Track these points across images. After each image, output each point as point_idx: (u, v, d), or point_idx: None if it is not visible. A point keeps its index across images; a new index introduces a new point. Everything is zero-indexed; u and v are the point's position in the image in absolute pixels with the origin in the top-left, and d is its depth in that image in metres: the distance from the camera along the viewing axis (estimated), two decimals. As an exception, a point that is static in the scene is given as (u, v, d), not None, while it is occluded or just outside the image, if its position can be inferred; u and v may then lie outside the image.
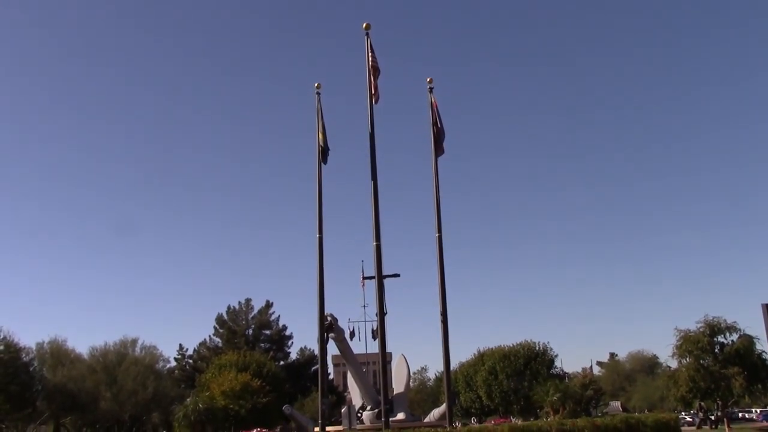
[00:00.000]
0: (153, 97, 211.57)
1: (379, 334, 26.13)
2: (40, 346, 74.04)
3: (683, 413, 78.32)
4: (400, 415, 33.13)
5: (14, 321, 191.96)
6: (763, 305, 25.00)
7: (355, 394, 36.61)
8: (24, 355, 67.22)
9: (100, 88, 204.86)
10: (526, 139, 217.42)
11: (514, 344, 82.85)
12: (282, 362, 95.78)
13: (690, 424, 71.81)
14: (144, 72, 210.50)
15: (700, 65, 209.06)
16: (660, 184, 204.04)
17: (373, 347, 32.51)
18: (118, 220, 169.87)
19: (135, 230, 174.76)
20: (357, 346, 35.19)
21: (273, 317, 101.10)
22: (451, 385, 28.83)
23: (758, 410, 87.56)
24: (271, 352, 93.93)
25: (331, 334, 31.33)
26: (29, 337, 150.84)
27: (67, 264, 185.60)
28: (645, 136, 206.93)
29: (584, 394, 76.89)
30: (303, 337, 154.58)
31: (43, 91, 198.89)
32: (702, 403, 68.14)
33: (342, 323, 33.16)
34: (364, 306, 34.66)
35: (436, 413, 35.61)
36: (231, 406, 64.59)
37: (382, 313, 26.28)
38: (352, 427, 27.41)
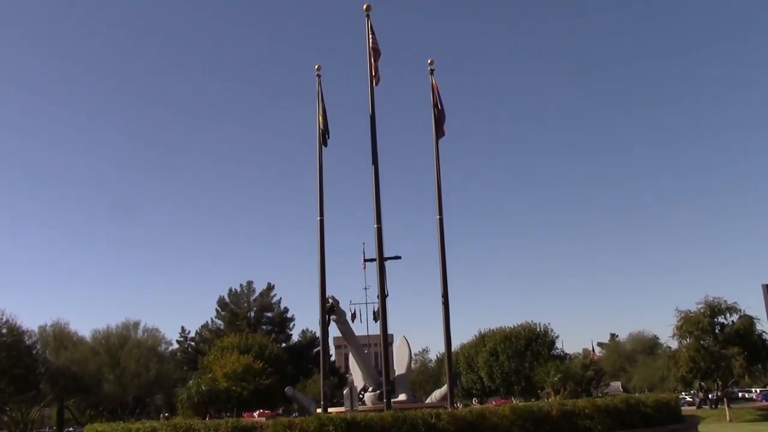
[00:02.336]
0: (154, 75, 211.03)
1: (381, 316, 26.16)
2: (42, 329, 74.45)
3: (683, 393, 78.69)
4: (402, 397, 33.26)
5: (17, 305, 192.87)
6: (763, 285, 25.03)
7: (356, 376, 36.73)
8: (27, 338, 67.53)
9: (101, 64, 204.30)
10: (525, 119, 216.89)
11: (515, 325, 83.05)
12: (284, 344, 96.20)
13: (690, 404, 72.16)
14: (143, 51, 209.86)
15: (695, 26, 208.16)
16: (659, 162, 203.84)
17: (375, 329, 32.61)
18: (119, 202, 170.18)
19: (136, 212, 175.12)
20: (358, 328, 35.30)
21: (274, 300, 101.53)
22: (453, 366, 28.92)
23: (758, 390, 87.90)
24: (273, 335, 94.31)
25: (333, 316, 31.35)
26: (32, 320, 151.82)
27: (69, 248, 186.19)
28: (645, 107, 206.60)
29: (585, 375, 77.19)
30: (304, 320, 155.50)
31: (45, 81, 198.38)
32: (702, 384, 68.44)
33: (343, 305, 33.19)
34: (366, 288, 34.71)
35: (437, 394, 35.72)
36: (233, 387, 64.94)
37: (383, 295, 26.30)
38: (354, 408, 27.53)
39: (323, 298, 27.90)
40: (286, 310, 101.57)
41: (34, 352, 68.67)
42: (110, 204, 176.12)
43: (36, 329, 72.47)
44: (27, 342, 67.33)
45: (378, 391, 32.01)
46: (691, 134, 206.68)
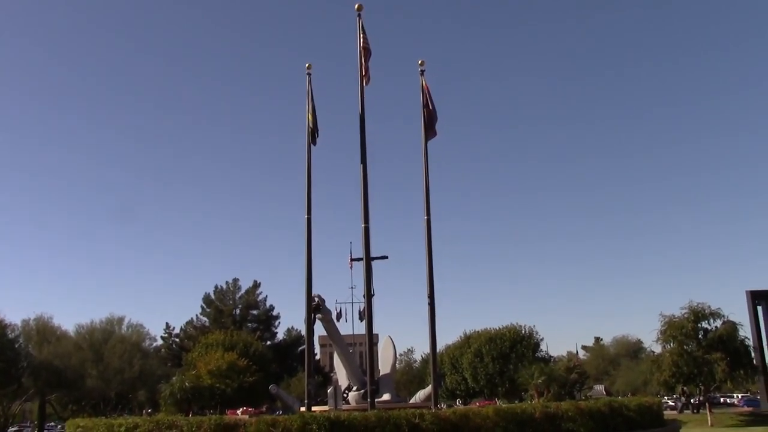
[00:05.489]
0: (142, 73, 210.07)
1: (367, 315, 26.16)
2: (26, 323, 73.68)
3: (666, 398, 79.05)
4: (386, 396, 33.27)
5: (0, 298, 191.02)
6: (747, 292, 25.27)
7: (341, 375, 36.69)
8: (10, 332, 66.82)
9: (96, 67, 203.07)
10: (514, 121, 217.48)
11: (500, 327, 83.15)
12: (269, 342, 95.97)
13: (672, 408, 72.50)
14: (135, 55, 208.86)
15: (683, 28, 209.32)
16: (646, 167, 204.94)
17: (360, 328, 32.55)
18: (106, 199, 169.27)
19: (122, 209, 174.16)
20: (344, 328, 35.25)
21: (260, 297, 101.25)
22: (437, 367, 28.98)
23: (740, 395, 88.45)
24: (258, 332, 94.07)
25: (318, 315, 31.33)
26: (15, 313, 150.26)
27: (54, 242, 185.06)
28: (634, 112, 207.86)
29: (569, 378, 77.41)
30: (290, 318, 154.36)
31: (42, 87, 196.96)
32: (684, 388, 68.83)
33: (329, 304, 33.14)
34: (352, 287, 34.60)
35: (421, 395, 35.73)
36: (217, 385, 64.75)
37: (369, 295, 26.30)
38: (338, 407, 27.51)
39: (309, 297, 27.89)
40: (272, 308, 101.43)
41: (16, 345, 67.93)
42: (98, 200, 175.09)
43: (19, 323, 71.71)
44: (9, 335, 66.59)
45: (362, 391, 31.98)
46: (677, 139, 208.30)
